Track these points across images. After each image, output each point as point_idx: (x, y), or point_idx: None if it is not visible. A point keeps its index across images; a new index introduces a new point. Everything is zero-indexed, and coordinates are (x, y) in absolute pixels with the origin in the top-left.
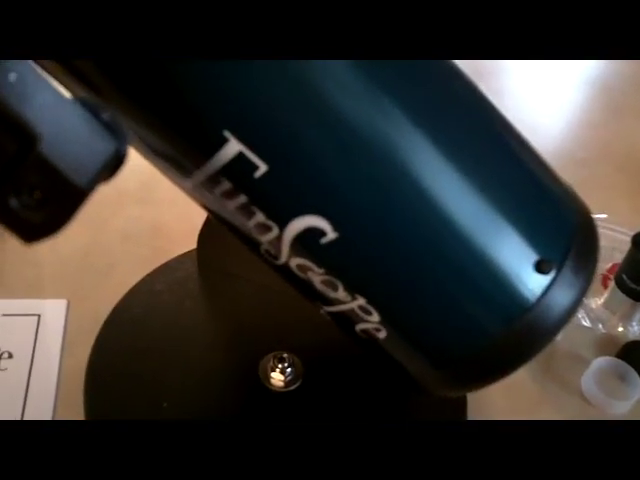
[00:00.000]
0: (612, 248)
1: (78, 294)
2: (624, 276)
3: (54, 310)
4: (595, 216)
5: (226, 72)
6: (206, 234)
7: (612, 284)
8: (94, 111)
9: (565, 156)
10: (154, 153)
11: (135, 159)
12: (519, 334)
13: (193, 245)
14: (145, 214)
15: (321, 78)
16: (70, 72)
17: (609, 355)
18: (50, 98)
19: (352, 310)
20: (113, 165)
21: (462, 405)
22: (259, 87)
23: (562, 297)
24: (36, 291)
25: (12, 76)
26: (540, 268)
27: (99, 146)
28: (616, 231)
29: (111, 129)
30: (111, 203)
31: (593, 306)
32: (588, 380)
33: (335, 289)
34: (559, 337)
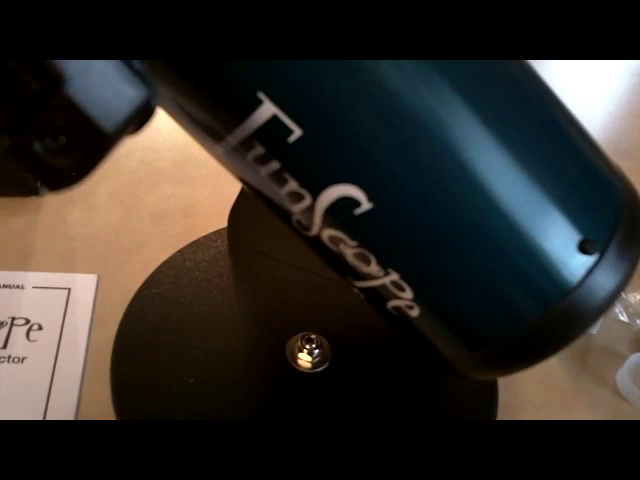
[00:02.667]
0: None
1: (108, 270)
2: None
3: (84, 284)
4: None
5: None
6: (237, 212)
7: None
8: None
9: (607, 147)
10: (186, 115)
11: (168, 138)
12: (558, 317)
13: (224, 224)
14: (177, 193)
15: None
16: None
17: None
18: None
19: (384, 286)
20: (142, 115)
21: (493, 396)
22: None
23: (605, 280)
24: (67, 265)
25: None
26: (583, 248)
27: (129, 92)
28: None
29: (142, 77)
30: (144, 181)
31: (631, 301)
32: (623, 376)
33: (367, 263)
34: (595, 332)
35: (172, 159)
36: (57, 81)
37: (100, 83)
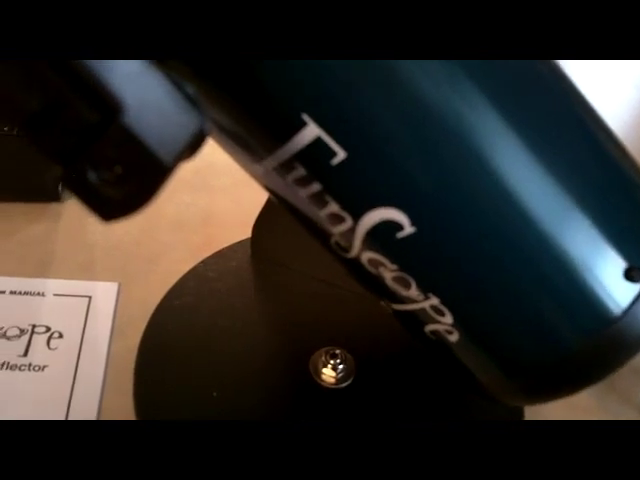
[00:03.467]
0: None
1: (128, 279)
2: None
3: (105, 293)
4: None
5: None
6: (261, 224)
7: None
8: (178, 85)
9: None
10: (227, 134)
11: None
12: (600, 347)
13: (245, 234)
14: (198, 201)
15: (407, 66)
16: None
17: None
18: (135, 67)
19: (423, 310)
20: (196, 142)
21: (519, 415)
22: (340, 70)
23: None
24: (87, 273)
25: None
26: (630, 276)
27: (184, 120)
28: None
29: (195, 104)
30: (165, 189)
31: None
32: None
33: (407, 287)
34: None
35: (191, 167)
36: (114, 111)
37: (156, 112)
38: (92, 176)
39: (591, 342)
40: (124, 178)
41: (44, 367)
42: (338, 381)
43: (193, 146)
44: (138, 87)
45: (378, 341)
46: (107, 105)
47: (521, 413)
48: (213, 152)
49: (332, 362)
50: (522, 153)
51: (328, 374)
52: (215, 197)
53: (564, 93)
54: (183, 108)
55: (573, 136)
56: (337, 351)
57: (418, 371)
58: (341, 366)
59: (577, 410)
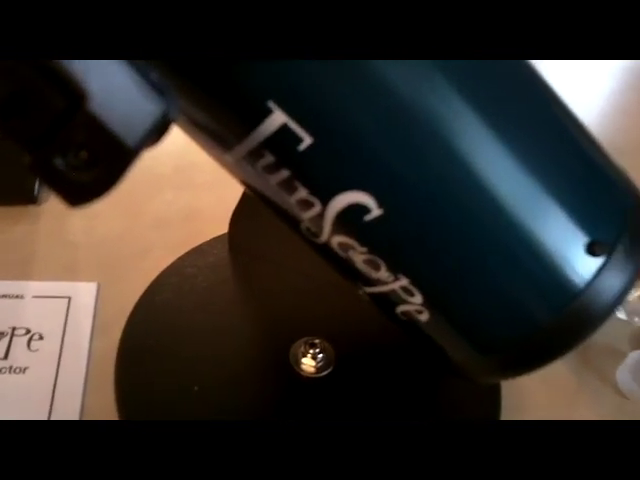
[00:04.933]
0: None
1: (111, 278)
2: None
3: (85, 293)
4: None
5: None
6: (238, 217)
7: None
8: (143, 71)
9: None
10: (196, 125)
11: (170, 144)
12: (568, 320)
13: (227, 230)
14: (180, 199)
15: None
16: None
17: None
18: None
19: (394, 291)
20: (161, 127)
21: (496, 396)
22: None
23: (613, 281)
24: (68, 274)
25: None
26: (591, 250)
27: (148, 106)
28: None
29: (160, 90)
30: (146, 188)
31: (630, 299)
32: (624, 374)
33: (377, 269)
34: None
35: (173, 165)
36: (80, 97)
37: (121, 98)
38: (59, 162)
39: (558, 316)
40: (90, 163)
41: (25, 369)
42: (318, 370)
43: (159, 132)
44: (103, 75)
45: (356, 329)
46: (73, 92)
47: (498, 394)
48: (193, 150)
49: (311, 351)
50: (482, 132)
51: (308, 364)
52: (197, 195)
53: (526, 74)
54: (147, 95)
55: (533, 114)
56: (316, 340)
57: (397, 358)
58: (320, 355)
59: (555, 391)
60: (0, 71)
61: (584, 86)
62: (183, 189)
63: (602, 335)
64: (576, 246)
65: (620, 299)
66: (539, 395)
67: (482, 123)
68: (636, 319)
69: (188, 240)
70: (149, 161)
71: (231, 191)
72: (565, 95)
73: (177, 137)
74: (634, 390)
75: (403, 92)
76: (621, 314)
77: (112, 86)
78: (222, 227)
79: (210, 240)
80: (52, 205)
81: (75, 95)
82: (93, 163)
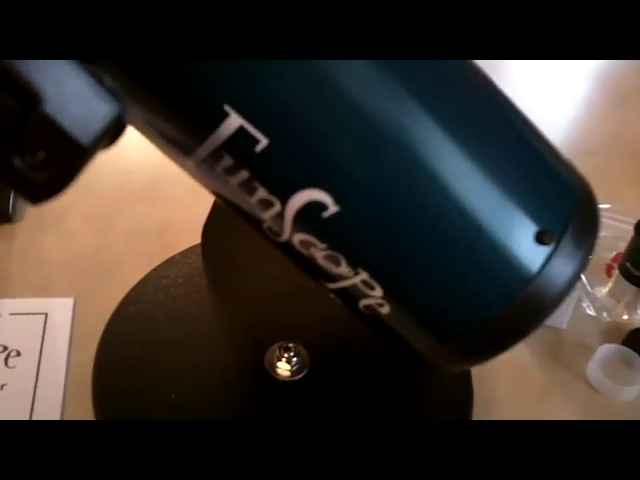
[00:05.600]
0: (616, 238)
1: (85, 292)
2: (628, 264)
3: (61, 308)
4: (599, 206)
5: None
6: (210, 227)
7: (616, 273)
8: (96, 76)
9: (571, 147)
10: (156, 131)
11: (141, 159)
12: (521, 307)
13: (199, 241)
14: (152, 213)
15: None
16: None
17: (615, 343)
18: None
19: (355, 285)
20: (115, 130)
21: (469, 392)
22: (256, 62)
23: (563, 269)
24: (43, 290)
25: None
26: (540, 239)
27: (102, 108)
28: (620, 221)
29: (113, 94)
30: (118, 202)
31: (598, 295)
32: (594, 368)
33: (338, 264)
34: (565, 326)
35: (144, 180)
36: (34, 100)
37: (75, 101)
38: (18, 162)
39: (511, 303)
40: (47, 162)
41: (3, 386)
42: (293, 373)
43: (113, 133)
44: (57, 78)
45: (330, 333)
46: (28, 95)
47: (470, 390)
48: (164, 164)
49: (286, 355)
50: (433, 129)
51: (283, 367)
52: (169, 208)
53: (473, 74)
54: (101, 97)
55: (486, 112)
56: (290, 344)
57: (370, 360)
58: (295, 359)
59: (527, 386)
60: None
61: (552, 91)
62: (155, 203)
63: (572, 332)
64: (525, 235)
65: (570, 286)
66: (511, 391)
67: (432, 121)
68: (604, 314)
69: (161, 253)
70: (121, 176)
71: (202, 203)
72: (534, 99)
73: (146, 152)
74: (604, 383)
75: (354, 93)
76: (590, 310)
77: (66, 88)
78: (194, 239)
79: (183, 251)
80: (26, 223)
81: (29, 97)
82: (50, 162)
